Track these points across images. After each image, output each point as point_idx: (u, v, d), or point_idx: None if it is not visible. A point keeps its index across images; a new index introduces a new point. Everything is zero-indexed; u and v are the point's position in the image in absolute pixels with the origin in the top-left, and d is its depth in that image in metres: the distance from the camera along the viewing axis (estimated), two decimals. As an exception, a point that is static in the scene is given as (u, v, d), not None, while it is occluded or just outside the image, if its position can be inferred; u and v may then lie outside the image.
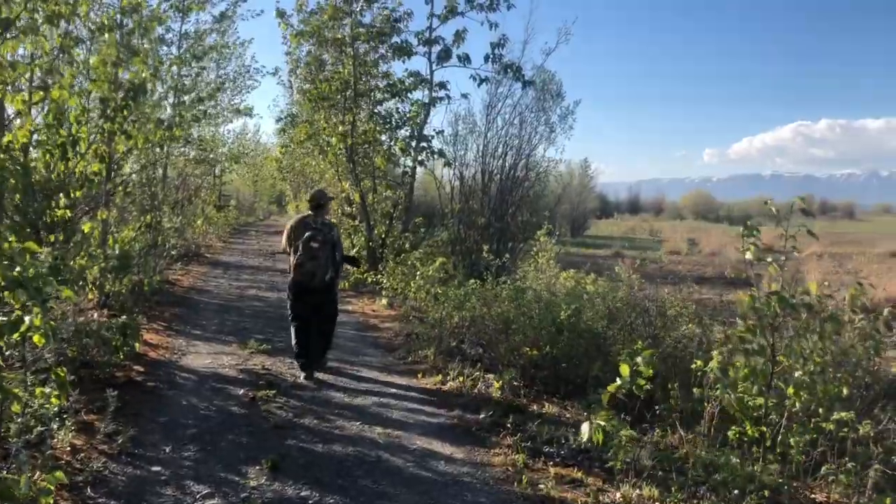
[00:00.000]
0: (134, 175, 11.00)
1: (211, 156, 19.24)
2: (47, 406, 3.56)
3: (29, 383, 3.54)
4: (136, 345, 6.20)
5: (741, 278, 18.18)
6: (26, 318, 3.18)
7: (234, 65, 19.72)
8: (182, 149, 18.43)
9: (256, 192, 42.70)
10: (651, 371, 4.52)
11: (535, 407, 5.74)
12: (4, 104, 6.82)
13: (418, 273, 10.03)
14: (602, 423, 4.14)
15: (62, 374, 3.25)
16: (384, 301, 10.95)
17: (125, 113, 6.48)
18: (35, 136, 6.43)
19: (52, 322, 4.43)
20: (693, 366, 5.16)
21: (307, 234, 6.62)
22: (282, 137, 23.44)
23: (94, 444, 4.54)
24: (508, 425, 5.26)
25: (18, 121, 6.42)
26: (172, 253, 14.28)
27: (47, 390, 3.40)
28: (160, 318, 9.23)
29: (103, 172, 7.00)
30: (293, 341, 6.86)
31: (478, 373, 6.46)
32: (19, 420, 3.44)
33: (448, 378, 6.56)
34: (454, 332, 8.20)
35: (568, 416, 5.67)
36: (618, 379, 4.51)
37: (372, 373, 6.94)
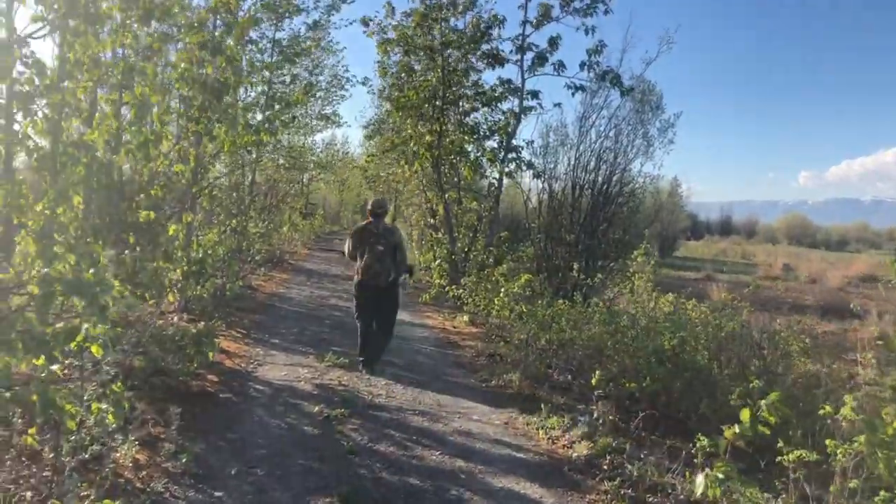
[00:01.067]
0: (221, 179, 11.00)
1: (300, 160, 19.30)
2: (106, 422, 3.27)
3: (86, 398, 3.26)
4: (211, 354, 5.96)
5: (844, 308, 16.74)
6: (84, 327, 2.89)
7: (327, 74, 19.91)
8: (272, 155, 18.65)
9: (342, 201, 43.23)
10: (773, 418, 3.90)
11: (631, 447, 5.13)
12: (98, 103, 6.79)
13: (502, 290, 9.52)
14: (720, 476, 3.54)
15: (119, 391, 2.94)
16: (465, 317, 10.50)
17: (209, 113, 6.29)
18: (124, 136, 6.32)
19: (117, 328, 4.21)
20: (821, 411, 4.49)
21: (372, 239, 7.23)
22: (368, 146, 23.47)
23: (158, 462, 4.25)
24: (605, 466, 4.69)
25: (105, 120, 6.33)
26: (257, 258, 14.30)
27: (104, 406, 3.11)
28: (239, 324, 9.07)
29: (187, 174, 6.84)
30: (359, 340, 7.33)
31: (571, 404, 5.88)
32: (73, 438, 3.15)
33: (536, 408, 6.02)
34: (541, 356, 7.66)
35: (669, 458, 5.04)
36: (737, 426, 3.90)
37: (453, 395, 6.48)
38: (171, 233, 8.91)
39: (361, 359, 7.22)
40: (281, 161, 18.06)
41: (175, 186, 6.37)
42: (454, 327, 10.32)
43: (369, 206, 7.62)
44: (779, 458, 4.23)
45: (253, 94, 16.07)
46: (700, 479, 3.54)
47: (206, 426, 5.05)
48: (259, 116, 13.48)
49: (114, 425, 3.30)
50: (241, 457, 4.54)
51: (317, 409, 5.65)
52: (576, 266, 10.87)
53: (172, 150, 6.31)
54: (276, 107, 13.72)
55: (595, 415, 5.46)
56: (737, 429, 4.00)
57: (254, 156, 14.92)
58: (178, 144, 6.32)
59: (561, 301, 8.64)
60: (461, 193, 14.33)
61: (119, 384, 3.02)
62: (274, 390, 6.15)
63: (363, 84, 17.11)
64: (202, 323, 8.58)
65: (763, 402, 3.75)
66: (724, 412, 5.53)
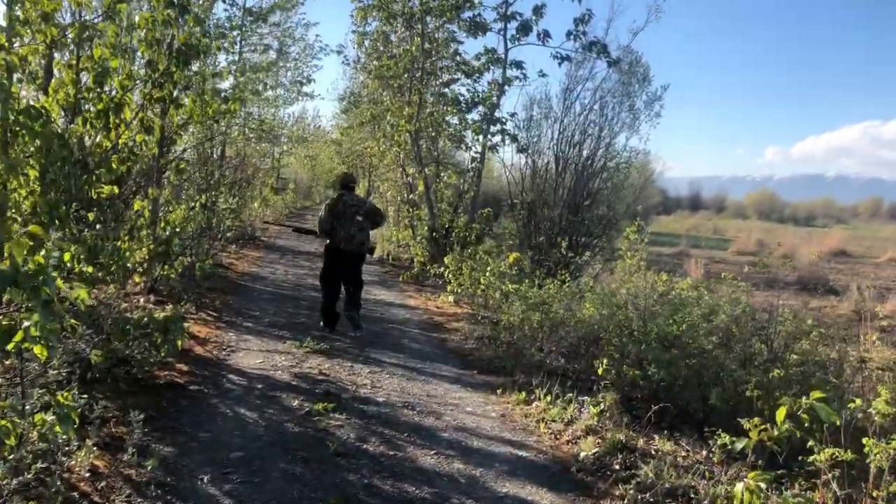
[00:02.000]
0: (188, 152, 10.35)
1: (272, 133, 18.58)
2: (51, 437, 2.76)
3: (28, 408, 2.74)
4: (180, 342, 5.43)
5: (819, 284, 16.57)
6: (25, 324, 2.38)
7: (297, 48, 19.15)
8: (242, 127, 17.91)
9: (314, 177, 42.32)
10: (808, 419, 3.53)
11: (642, 442, 4.74)
12: (54, 69, 6.16)
13: (488, 269, 9.08)
14: (762, 487, 3.16)
15: (66, 400, 2.44)
16: (450, 297, 10.05)
17: (175, 78, 5.70)
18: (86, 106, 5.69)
19: (72, 320, 3.68)
20: (851, 405, 4.14)
21: (350, 210, 7.67)
22: (343, 119, 22.72)
23: (119, 469, 3.75)
24: (616, 466, 4.30)
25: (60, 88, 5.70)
26: (228, 235, 13.68)
27: (50, 417, 2.61)
28: (210, 306, 8.53)
29: (151, 145, 6.24)
30: (323, 302, 7.92)
31: (570, 393, 5.47)
32: (11, 457, 2.64)
33: (533, 398, 5.61)
34: (532, 339, 7.26)
35: (683, 454, 4.67)
36: (768, 425, 3.52)
37: (444, 385, 6.05)
38: (136, 209, 8.34)
39: (327, 324, 7.84)
40: (251, 134, 17.34)
41: (138, 159, 5.76)
42: (438, 308, 9.88)
43: (342, 180, 8.24)
44: (810, 457, 3.86)
45: (223, 62, 15.35)
46: (740, 487, 3.15)
47: (174, 423, 4.55)
48: (227, 85, 12.79)
49: (64, 438, 2.80)
50: (215, 460, 4.06)
51: (297, 402, 5.18)
52: (564, 243, 10.45)
53: (135, 118, 5.69)
54: (246, 74, 13.04)
55: (601, 406, 5.06)
56: (768, 428, 3.63)
57: (224, 127, 14.21)
58: (140, 113, 5.71)
59: (550, 280, 8.23)
60: (440, 168, 13.80)
61: (67, 393, 2.51)
62: (249, 381, 5.65)
63: (338, 53, 16.40)
64: (170, 306, 8.04)
65: (804, 400, 3.36)
66: (735, 402, 5.18)
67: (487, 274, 8.98)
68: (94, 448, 3.74)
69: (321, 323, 7.91)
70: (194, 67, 9.84)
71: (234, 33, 15.49)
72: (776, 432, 3.63)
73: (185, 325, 7.33)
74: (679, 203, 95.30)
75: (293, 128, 26.82)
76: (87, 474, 3.59)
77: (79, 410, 4.00)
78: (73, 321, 3.62)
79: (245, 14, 16.27)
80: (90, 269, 5.57)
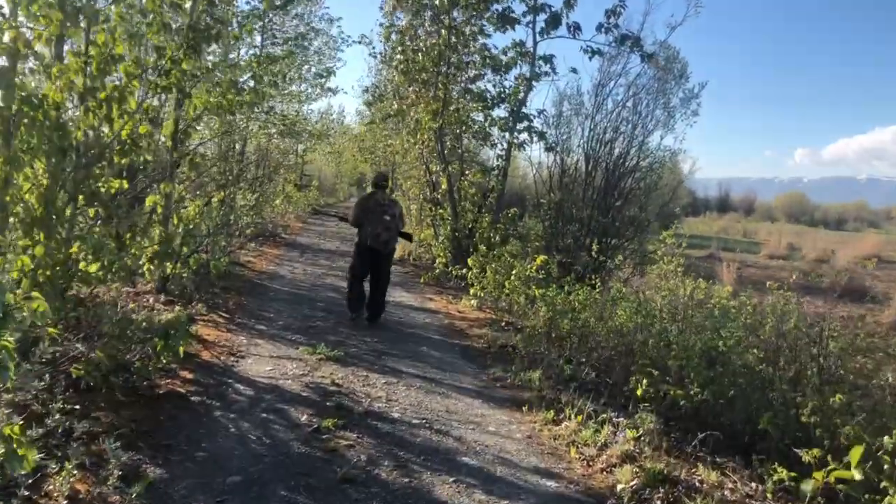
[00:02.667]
0: (200, 147, 10.02)
1: (294, 128, 18.28)
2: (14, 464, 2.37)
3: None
4: (182, 349, 5.04)
5: (859, 290, 15.70)
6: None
7: (320, 41, 18.83)
8: (264, 123, 17.62)
9: (339, 174, 42.06)
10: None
11: (685, 472, 4.25)
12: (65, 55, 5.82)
13: (514, 272, 8.61)
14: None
15: (16, 434, 2.04)
16: (472, 301, 9.60)
17: (184, 66, 5.32)
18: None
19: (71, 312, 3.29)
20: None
21: (380, 209, 7.93)
22: (366, 116, 22.35)
23: (103, 494, 3.36)
24: (658, 502, 3.83)
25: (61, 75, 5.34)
26: (246, 232, 13.37)
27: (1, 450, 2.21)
28: (223, 307, 8.17)
29: (157, 137, 5.86)
30: (348, 293, 8.20)
31: (603, 413, 4.99)
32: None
33: (562, 416, 5.14)
34: (560, 349, 6.80)
35: (731, 486, 4.18)
36: (837, 466, 3.04)
37: (464, 399, 5.60)
38: (148, 203, 8.00)
39: (353, 311, 8.10)
40: (273, 130, 17.04)
41: (142, 151, 5.38)
42: (459, 312, 9.44)
43: (374, 179, 8.41)
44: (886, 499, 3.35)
45: (244, 55, 15.05)
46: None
47: (170, 440, 4.16)
48: (246, 77, 12.48)
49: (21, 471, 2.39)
50: (210, 485, 3.65)
51: (305, 417, 4.77)
52: (595, 246, 9.94)
53: (140, 109, 5.31)
54: (264, 65, 12.71)
55: (639, 431, 4.58)
56: (835, 467, 3.14)
57: (244, 122, 13.89)
58: (145, 102, 5.34)
59: (579, 286, 7.75)
60: (464, 166, 13.32)
61: (17, 426, 2.11)
62: (256, 391, 5.25)
63: (361, 43, 15.93)
64: (178, 307, 7.71)
65: (887, 440, 2.87)
66: (784, 425, 4.68)
67: (512, 277, 8.51)
68: (75, 471, 3.36)
69: (349, 311, 8.20)
70: (209, 57, 9.49)
71: (257, 24, 15.18)
72: (846, 473, 3.15)
73: (194, 327, 7.00)
74: (707, 204, 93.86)
75: (317, 124, 26.57)
76: (65, 502, 3.21)
77: (59, 428, 3.63)
78: (52, 330, 3.23)
79: (268, 4, 15.97)
80: (93, 269, 5.23)
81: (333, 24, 17.90)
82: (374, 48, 16.08)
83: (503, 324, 8.25)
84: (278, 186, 22.99)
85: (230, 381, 5.46)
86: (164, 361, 5.06)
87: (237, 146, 15.75)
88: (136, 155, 5.31)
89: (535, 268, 8.44)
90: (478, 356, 7.11)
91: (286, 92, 18.78)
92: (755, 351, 5.53)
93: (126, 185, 6.27)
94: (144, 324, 4.89)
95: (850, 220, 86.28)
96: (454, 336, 7.98)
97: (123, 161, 5.24)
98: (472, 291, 9.60)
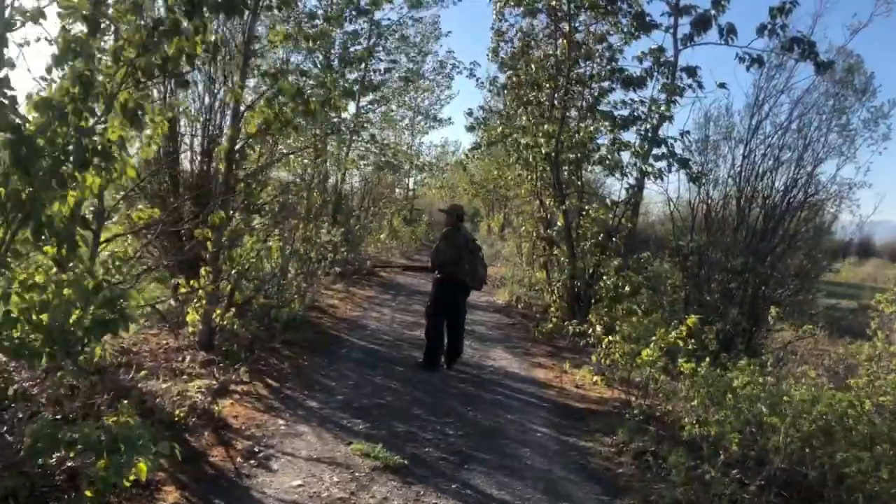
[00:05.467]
0: (268, 171, 8.54)
1: (395, 160, 16.85)
2: None
3: None
4: (144, 469, 3.23)
5: None
6: None
7: (431, 61, 17.53)
8: (364, 152, 16.32)
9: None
10: None
11: None
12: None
13: (654, 338, 6.37)
14: None
15: None
16: (597, 378, 7.39)
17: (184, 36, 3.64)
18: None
19: None
20: None
21: (470, 245, 7.59)
22: (469, 142, 20.75)
23: None
24: None
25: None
26: (329, 272, 11.83)
27: None
28: (275, 370, 6.48)
29: (146, 143, 4.18)
30: (429, 343, 7.44)
31: None
32: None
33: None
34: (724, 459, 4.56)
35: None
36: None
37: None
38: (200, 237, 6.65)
39: (429, 365, 7.38)
40: (371, 159, 15.64)
41: (118, 164, 3.69)
42: (577, 387, 7.28)
43: (457, 213, 7.79)
44: None
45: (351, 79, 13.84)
46: None
47: None
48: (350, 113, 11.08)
49: None
50: None
51: None
52: (776, 310, 7.59)
53: (112, 107, 3.64)
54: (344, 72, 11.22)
55: None
56: None
57: (335, 149, 12.50)
58: (123, 93, 3.67)
59: (746, 362, 5.49)
60: (583, 200, 11.21)
61: None
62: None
63: (470, 70, 14.07)
64: (220, 368, 6.13)
65: None
66: None
67: (652, 347, 6.27)
68: None
69: (421, 361, 7.49)
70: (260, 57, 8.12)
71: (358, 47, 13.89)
72: None
73: (221, 404, 5.30)
74: (846, 249, 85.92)
75: (429, 158, 25.33)
76: None
77: None
78: None
79: (373, 28, 14.67)
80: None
81: (440, 39, 16.52)
82: (478, 79, 14.16)
83: (636, 412, 6.00)
84: (384, 220, 21.68)
85: (232, 508, 3.65)
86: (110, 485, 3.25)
87: (333, 177, 14.43)
88: (108, 172, 3.63)
89: (683, 333, 6.19)
90: (604, 470, 4.94)
91: (395, 124, 17.56)
92: None
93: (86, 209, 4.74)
94: (72, 436, 3.10)
95: None
96: (569, 430, 5.83)
97: (97, 182, 3.57)
98: (594, 358, 7.41)
